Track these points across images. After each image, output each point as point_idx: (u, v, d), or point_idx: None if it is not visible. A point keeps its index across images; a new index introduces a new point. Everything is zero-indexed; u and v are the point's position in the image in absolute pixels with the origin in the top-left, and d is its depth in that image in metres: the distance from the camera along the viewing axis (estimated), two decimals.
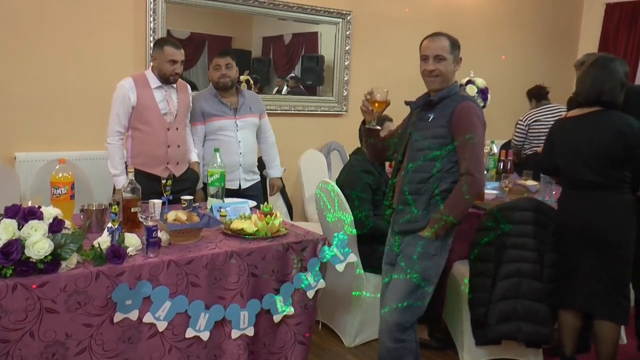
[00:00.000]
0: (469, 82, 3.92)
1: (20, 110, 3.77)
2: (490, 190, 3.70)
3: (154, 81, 3.22)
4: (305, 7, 4.91)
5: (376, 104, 2.57)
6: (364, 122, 2.73)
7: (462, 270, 3.19)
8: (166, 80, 3.22)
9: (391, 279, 2.63)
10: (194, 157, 3.50)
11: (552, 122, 3.08)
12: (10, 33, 3.70)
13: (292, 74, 5.24)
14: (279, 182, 3.98)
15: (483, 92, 3.92)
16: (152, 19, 4.12)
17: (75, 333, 1.97)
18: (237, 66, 3.63)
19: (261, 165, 3.95)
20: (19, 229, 1.92)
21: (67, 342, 1.96)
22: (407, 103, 2.69)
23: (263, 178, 3.95)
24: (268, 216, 2.57)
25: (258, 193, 3.70)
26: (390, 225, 2.72)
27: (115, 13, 4.03)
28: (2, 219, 1.94)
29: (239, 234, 2.50)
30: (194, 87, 4.49)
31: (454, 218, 2.45)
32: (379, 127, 2.72)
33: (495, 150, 4.45)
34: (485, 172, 3.97)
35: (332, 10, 5.06)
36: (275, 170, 3.92)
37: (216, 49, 4.52)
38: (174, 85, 3.29)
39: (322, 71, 5.26)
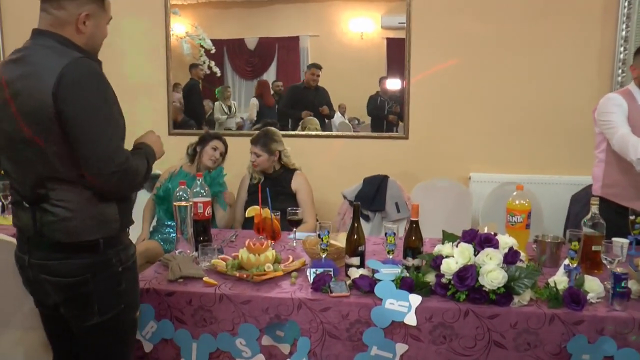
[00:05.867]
0: None
1: (476, 132, 3.93)
2: None
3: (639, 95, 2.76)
4: None
5: None
6: None
7: None
8: None
9: None
10: None
11: None
12: (467, 62, 3.87)
13: None
14: None
15: None
16: (624, 25, 3.63)
17: None
18: None
19: None
20: (475, 254, 1.88)
21: None
22: None
23: None
24: None
25: None
26: None
27: (575, 27, 3.73)
28: (459, 242, 1.94)
29: None
30: None
31: None
32: None
33: None
34: None
35: None
36: None
37: None
38: None
39: None
